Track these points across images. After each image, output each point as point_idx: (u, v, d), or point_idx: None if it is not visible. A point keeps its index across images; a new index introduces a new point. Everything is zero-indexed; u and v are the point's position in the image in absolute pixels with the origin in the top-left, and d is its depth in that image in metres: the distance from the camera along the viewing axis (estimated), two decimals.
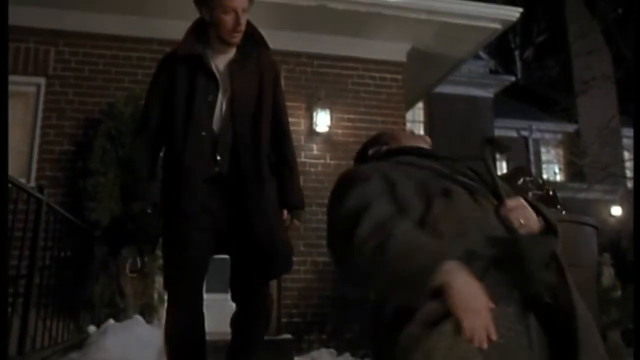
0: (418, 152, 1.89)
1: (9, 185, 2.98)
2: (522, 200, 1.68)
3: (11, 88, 5.52)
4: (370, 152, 2.04)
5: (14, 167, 5.23)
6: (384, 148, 2.00)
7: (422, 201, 1.60)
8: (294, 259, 5.57)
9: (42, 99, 5.64)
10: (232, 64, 2.55)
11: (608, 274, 9.34)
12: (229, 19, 2.42)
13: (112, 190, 4.87)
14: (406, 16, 5.99)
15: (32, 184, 5.26)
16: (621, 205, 15.23)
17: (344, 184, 1.71)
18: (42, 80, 5.67)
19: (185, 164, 2.43)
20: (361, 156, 2.09)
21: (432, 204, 1.59)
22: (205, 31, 2.53)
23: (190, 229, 2.41)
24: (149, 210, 2.42)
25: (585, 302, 3.74)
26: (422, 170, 1.73)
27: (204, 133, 2.47)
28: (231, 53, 2.56)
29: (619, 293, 8.72)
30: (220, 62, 2.54)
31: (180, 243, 2.42)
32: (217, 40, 2.52)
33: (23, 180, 4.63)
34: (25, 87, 5.65)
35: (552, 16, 18.89)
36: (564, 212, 3.75)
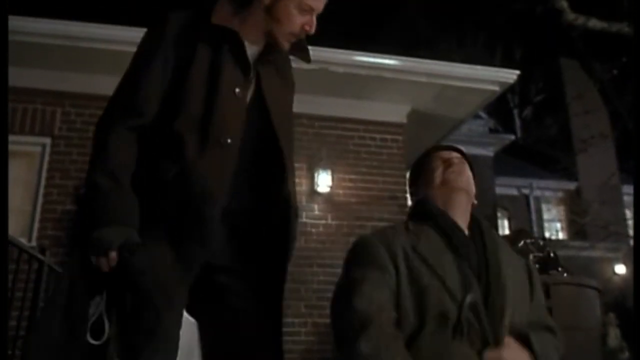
0: (443, 225, 1.84)
1: (11, 245, 3.00)
2: (507, 353, 1.67)
3: (17, 148, 5.62)
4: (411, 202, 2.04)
5: (17, 226, 5.26)
6: (414, 199, 2.00)
7: (417, 318, 1.65)
8: (295, 320, 5.59)
9: (47, 158, 5.70)
10: (263, 60, 1.84)
11: (614, 335, 9.21)
12: (300, 20, 1.78)
13: None
14: (406, 79, 6.11)
15: (34, 242, 5.26)
16: (625, 263, 15.14)
17: (355, 264, 1.76)
18: (47, 141, 5.74)
19: (199, 185, 1.63)
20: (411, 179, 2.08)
21: (424, 325, 1.64)
22: (243, 4, 1.81)
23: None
24: (137, 243, 1.57)
25: None
26: (432, 267, 1.72)
27: (229, 140, 1.69)
28: (259, 46, 1.83)
29: (626, 355, 8.57)
30: (248, 50, 1.79)
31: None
32: (254, 27, 1.80)
33: (24, 239, 4.65)
34: (31, 147, 5.72)
35: (549, 77, 19.26)
36: (565, 274, 3.74)
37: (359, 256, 1.77)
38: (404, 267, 1.70)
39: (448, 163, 1.92)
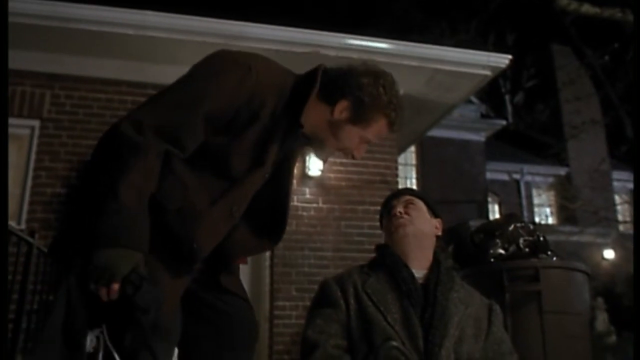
0: (391, 267, 2.05)
1: None
2: None
3: None
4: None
5: None
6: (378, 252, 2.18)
7: (366, 345, 1.88)
8: (287, 303, 5.61)
9: (35, 141, 5.66)
10: (297, 145, 1.82)
11: (602, 320, 9.29)
12: (356, 144, 1.78)
13: None
14: (397, 63, 6.08)
15: (23, 226, 5.23)
16: (614, 249, 15.26)
17: (315, 305, 2.05)
18: (36, 123, 5.70)
19: (193, 237, 1.58)
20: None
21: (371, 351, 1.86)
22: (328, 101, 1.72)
23: None
24: (143, 277, 1.45)
25: (579, 349, 3.72)
26: (376, 303, 1.96)
27: (239, 212, 1.70)
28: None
29: (613, 339, 8.66)
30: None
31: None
32: (309, 123, 1.70)
33: (14, 223, 4.62)
34: (19, 130, 5.67)
35: (541, 63, 19.26)
36: (554, 258, 3.76)
37: (318, 297, 2.06)
38: (353, 302, 1.96)
39: (394, 214, 2.13)
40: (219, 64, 1.64)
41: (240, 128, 1.62)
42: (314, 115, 1.70)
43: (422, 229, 2.09)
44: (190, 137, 1.57)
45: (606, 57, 13.96)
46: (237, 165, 1.63)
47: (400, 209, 2.12)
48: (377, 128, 1.75)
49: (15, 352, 3.24)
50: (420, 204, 2.14)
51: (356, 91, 1.71)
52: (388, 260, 2.04)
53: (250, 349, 1.84)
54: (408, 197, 2.17)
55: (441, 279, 1.99)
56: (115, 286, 1.41)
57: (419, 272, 2.03)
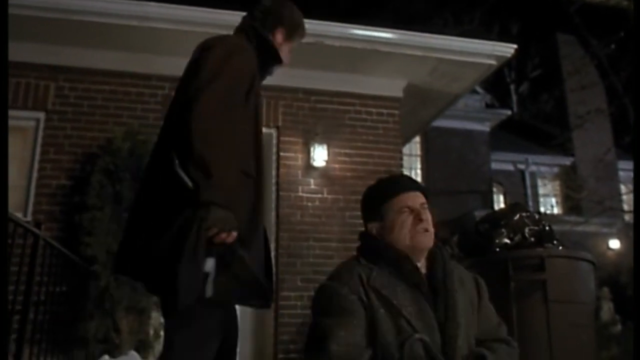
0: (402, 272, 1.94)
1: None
2: None
3: (11, 123, 5.53)
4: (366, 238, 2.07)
5: (12, 201, 5.23)
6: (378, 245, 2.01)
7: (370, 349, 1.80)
8: (292, 294, 5.62)
9: (40, 133, 5.66)
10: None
11: (607, 309, 9.29)
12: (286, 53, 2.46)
13: (109, 225, 4.86)
14: (402, 52, 6.07)
15: (29, 218, 5.25)
16: (619, 238, 15.22)
17: (326, 307, 1.88)
18: (41, 115, 5.71)
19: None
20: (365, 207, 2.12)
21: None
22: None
23: None
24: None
25: (584, 338, 3.71)
26: (386, 297, 1.85)
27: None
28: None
29: (618, 328, 8.65)
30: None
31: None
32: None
33: (20, 215, 4.64)
34: (24, 122, 5.68)
35: (546, 52, 19.16)
36: (560, 248, 3.75)
37: (326, 304, 1.89)
38: (366, 299, 1.84)
39: (417, 216, 1.96)
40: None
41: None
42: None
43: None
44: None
45: (612, 46, 13.85)
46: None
47: (427, 214, 1.98)
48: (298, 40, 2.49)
49: (23, 342, 3.25)
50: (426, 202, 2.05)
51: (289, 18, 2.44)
52: (390, 254, 1.94)
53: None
54: (420, 196, 2.02)
55: (447, 269, 1.96)
56: (234, 234, 1.83)
57: (419, 262, 1.98)
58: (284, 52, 2.40)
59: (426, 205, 2.00)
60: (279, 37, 2.37)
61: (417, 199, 2.00)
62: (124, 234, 2.07)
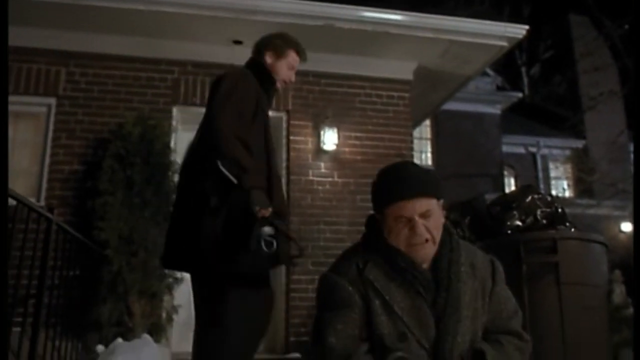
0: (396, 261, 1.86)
1: (20, 204, 3.01)
2: None
3: (22, 109, 5.61)
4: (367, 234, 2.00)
5: (25, 187, 5.28)
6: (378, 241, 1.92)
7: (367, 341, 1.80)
8: (303, 277, 5.64)
9: (52, 119, 5.69)
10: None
11: (619, 292, 9.25)
12: (285, 71, 2.96)
13: (120, 210, 4.89)
14: (412, 35, 6.02)
15: (42, 203, 5.30)
16: (632, 221, 15.13)
17: (325, 299, 1.89)
18: (52, 101, 5.73)
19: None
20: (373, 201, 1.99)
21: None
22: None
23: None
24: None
25: (596, 321, 3.70)
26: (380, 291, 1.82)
27: None
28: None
29: (630, 311, 8.61)
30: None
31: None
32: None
33: (33, 200, 4.67)
34: (36, 108, 5.71)
35: (558, 34, 18.95)
36: (572, 230, 3.73)
37: (325, 296, 1.90)
38: (364, 290, 1.82)
39: (412, 228, 1.81)
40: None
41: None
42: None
43: (439, 229, 1.86)
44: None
45: (625, 27, 13.66)
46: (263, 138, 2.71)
47: (421, 229, 1.80)
48: (293, 56, 2.94)
49: (38, 326, 3.29)
50: (433, 203, 1.83)
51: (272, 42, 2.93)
52: (386, 249, 1.85)
53: None
54: (422, 202, 1.82)
55: (453, 258, 1.85)
56: (270, 209, 2.37)
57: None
58: (282, 69, 2.90)
59: (430, 212, 1.82)
60: (268, 58, 2.87)
61: (416, 207, 1.80)
62: (169, 233, 2.59)
